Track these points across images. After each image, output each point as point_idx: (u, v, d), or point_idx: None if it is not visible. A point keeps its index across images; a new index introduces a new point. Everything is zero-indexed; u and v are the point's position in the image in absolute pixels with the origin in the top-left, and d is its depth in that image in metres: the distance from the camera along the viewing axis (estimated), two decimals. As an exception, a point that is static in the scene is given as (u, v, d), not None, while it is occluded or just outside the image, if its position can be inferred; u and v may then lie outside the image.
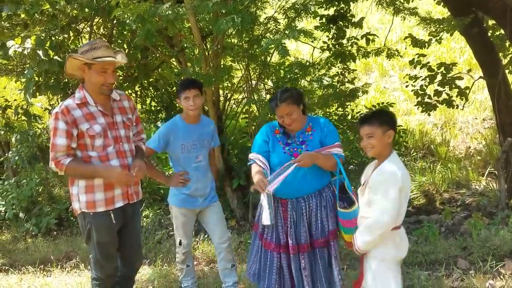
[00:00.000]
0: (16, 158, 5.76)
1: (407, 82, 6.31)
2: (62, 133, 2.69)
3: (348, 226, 2.72)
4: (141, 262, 3.24)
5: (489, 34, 6.07)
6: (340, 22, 5.57)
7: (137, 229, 3.11)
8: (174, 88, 6.45)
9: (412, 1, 5.71)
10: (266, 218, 2.82)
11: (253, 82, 5.47)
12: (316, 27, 5.54)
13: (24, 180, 5.97)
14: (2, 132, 6.21)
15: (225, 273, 3.57)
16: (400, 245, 2.51)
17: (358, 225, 2.62)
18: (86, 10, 4.76)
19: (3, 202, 5.90)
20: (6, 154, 6.19)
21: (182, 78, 5.32)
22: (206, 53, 4.84)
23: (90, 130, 2.74)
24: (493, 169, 6.42)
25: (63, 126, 2.69)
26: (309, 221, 2.90)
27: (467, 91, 5.98)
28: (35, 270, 4.41)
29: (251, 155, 3.06)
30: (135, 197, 2.98)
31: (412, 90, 6.23)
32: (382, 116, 2.58)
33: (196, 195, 3.44)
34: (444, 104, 6.01)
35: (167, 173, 4.72)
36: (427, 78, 5.98)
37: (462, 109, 6.36)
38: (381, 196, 2.43)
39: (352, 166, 5.53)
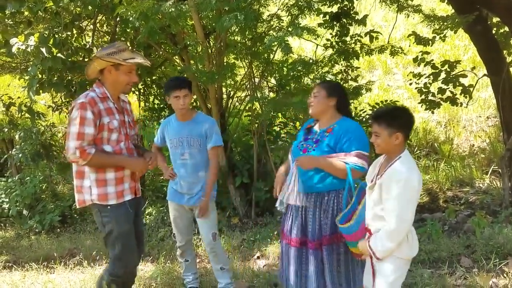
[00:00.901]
0: (20, 155, 5.79)
1: (411, 79, 6.29)
2: (90, 123, 2.75)
3: (350, 240, 2.67)
4: (143, 252, 3.27)
5: (493, 32, 6.04)
6: (344, 20, 5.56)
7: (141, 220, 3.19)
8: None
9: (416, -2, 5.70)
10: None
11: (256, 79, 5.47)
12: (319, 25, 5.53)
13: (28, 177, 6.00)
14: (6, 130, 6.23)
15: (217, 274, 3.59)
16: (412, 243, 2.49)
17: (369, 224, 2.57)
18: (90, 7, 4.77)
19: (7, 199, 5.92)
20: (10, 152, 6.22)
21: (185, 75, 5.33)
22: (209, 51, 4.85)
23: (110, 124, 2.84)
24: (497, 167, 6.40)
25: (90, 115, 2.75)
26: (305, 220, 2.86)
27: (471, 89, 5.95)
28: (38, 267, 4.42)
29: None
30: (139, 192, 3.08)
31: (416, 88, 6.21)
32: (392, 117, 2.47)
33: (182, 192, 3.45)
34: (448, 102, 5.99)
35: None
36: (431, 76, 5.96)
37: (466, 107, 6.33)
38: (396, 200, 2.36)
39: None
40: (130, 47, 2.99)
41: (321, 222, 2.83)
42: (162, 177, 6.29)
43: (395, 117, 2.48)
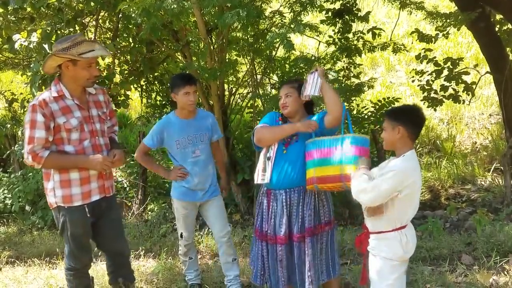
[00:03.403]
0: (22, 151, 5.80)
1: (413, 77, 6.28)
2: (41, 126, 2.67)
3: (309, 158, 2.78)
4: (126, 250, 3.21)
5: (497, 29, 6.03)
6: (346, 16, 5.55)
7: (113, 220, 3.09)
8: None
9: (418, -5, 5.67)
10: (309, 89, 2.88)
11: (258, 76, 5.47)
12: (322, 21, 5.52)
13: (30, 173, 6.01)
14: (9, 126, 6.24)
15: (227, 266, 3.58)
16: (407, 245, 2.49)
17: (367, 221, 2.59)
18: (92, 4, 4.77)
19: (10, 195, 5.94)
20: (13, 147, 6.24)
21: (187, 72, 5.33)
22: (211, 47, 4.84)
23: (66, 124, 2.74)
24: (499, 164, 6.39)
25: (41, 118, 2.67)
26: (289, 214, 2.92)
27: (474, 86, 5.95)
28: (41, 263, 4.44)
29: (260, 125, 3.07)
30: (111, 190, 3.00)
31: (418, 85, 6.20)
32: (398, 111, 2.58)
33: (196, 189, 3.43)
34: (451, 99, 5.98)
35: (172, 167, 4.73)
36: (434, 73, 5.95)
37: (469, 104, 6.33)
38: (382, 178, 2.41)
39: (357, 161, 5.51)
40: (86, 38, 2.89)
41: (304, 215, 2.90)
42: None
43: (400, 112, 2.57)
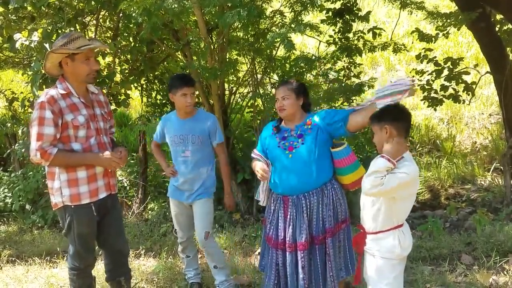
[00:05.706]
0: (23, 150, 5.79)
1: (413, 76, 6.27)
2: (50, 122, 2.67)
3: (340, 166, 2.88)
4: (126, 248, 3.23)
5: (497, 29, 6.03)
6: (347, 16, 5.54)
7: (116, 219, 3.12)
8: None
9: (419, -5, 5.66)
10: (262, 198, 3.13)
11: (259, 76, 5.47)
12: (322, 21, 5.51)
13: (31, 172, 6.02)
14: (9, 125, 6.24)
15: (213, 271, 3.58)
16: (404, 243, 2.51)
17: (364, 222, 2.59)
18: (93, 3, 4.76)
19: (10, 194, 5.95)
20: (13, 147, 6.24)
21: (187, 71, 5.33)
22: (212, 47, 4.84)
23: (74, 121, 2.76)
24: (498, 164, 6.40)
25: (50, 115, 2.67)
26: (310, 219, 2.88)
27: (474, 86, 5.94)
28: (41, 262, 4.45)
29: (253, 152, 3.16)
30: (115, 188, 3.04)
31: (418, 85, 6.19)
32: (379, 114, 2.55)
33: (183, 189, 3.45)
34: (451, 99, 5.98)
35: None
36: (434, 73, 5.94)
37: (469, 104, 6.32)
38: (395, 176, 2.38)
39: (357, 161, 5.52)
40: (83, 35, 2.91)
41: (324, 216, 2.89)
42: (163, 173, 6.30)
43: (382, 112, 2.56)
